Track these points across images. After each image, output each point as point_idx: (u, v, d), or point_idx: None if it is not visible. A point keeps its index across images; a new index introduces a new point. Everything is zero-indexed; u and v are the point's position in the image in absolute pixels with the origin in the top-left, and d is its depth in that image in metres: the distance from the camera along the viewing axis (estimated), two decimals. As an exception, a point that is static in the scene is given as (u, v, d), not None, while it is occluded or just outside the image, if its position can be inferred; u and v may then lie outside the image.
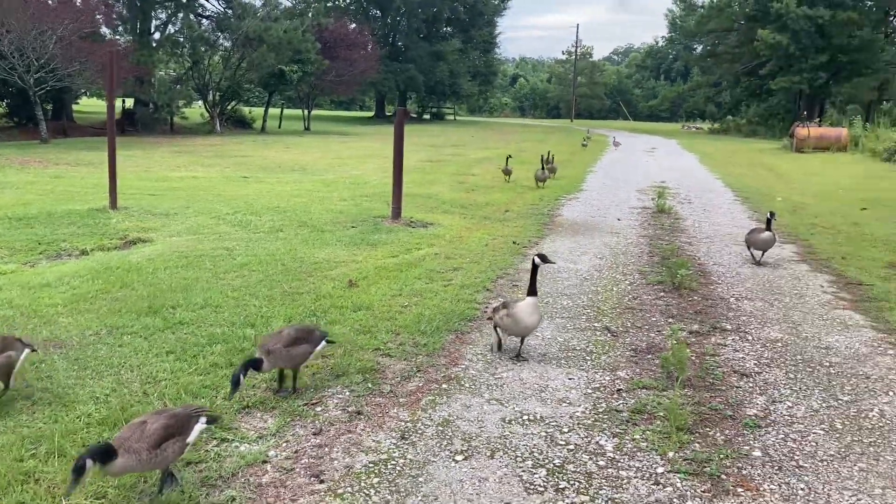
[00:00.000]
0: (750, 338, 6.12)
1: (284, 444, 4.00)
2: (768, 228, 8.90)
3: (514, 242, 9.90)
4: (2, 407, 4.22)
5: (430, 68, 65.07)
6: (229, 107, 41.20)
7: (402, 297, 6.92)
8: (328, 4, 61.59)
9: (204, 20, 40.02)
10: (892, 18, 55.76)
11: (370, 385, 4.82)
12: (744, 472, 3.85)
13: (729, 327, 6.39)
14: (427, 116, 75.87)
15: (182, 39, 37.63)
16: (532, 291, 5.23)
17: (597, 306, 6.94)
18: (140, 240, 9.43)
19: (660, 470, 3.84)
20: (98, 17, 30.43)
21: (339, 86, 46.12)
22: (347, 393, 4.70)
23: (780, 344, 5.98)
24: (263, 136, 37.34)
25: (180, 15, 38.66)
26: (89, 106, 48.03)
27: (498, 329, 5.51)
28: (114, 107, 11.52)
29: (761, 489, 3.69)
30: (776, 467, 3.92)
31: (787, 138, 36.21)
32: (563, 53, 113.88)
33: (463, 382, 4.95)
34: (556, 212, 13.16)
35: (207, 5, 40.18)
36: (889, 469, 3.95)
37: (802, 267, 9.10)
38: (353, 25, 55.05)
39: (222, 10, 39.43)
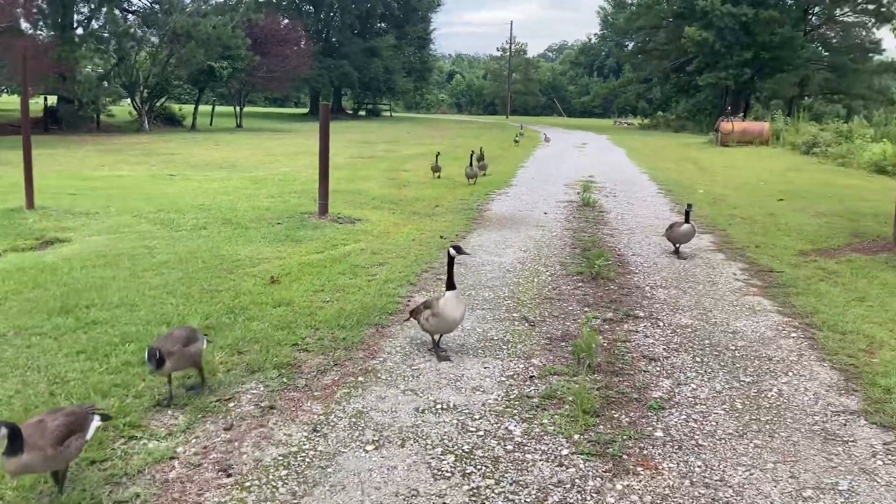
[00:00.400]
0: (661, 324, 6.32)
1: (194, 440, 3.98)
2: (687, 221, 9.10)
3: (441, 237, 9.98)
4: None
5: (365, 64, 64.80)
6: (158, 104, 40.27)
7: (324, 292, 6.92)
8: (259, 0, 60.63)
9: (130, 15, 38.97)
10: (810, 17, 57.92)
11: (285, 380, 4.82)
12: (645, 451, 4.00)
13: (642, 314, 6.59)
14: (363, 113, 75.52)
15: (107, 35, 36.56)
16: (450, 285, 5.23)
17: (517, 297, 7.07)
18: (57, 240, 9.18)
19: (564, 452, 3.96)
20: (17, 10, 29.32)
21: (272, 82, 45.55)
22: (262, 388, 4.69)
23: (689, 329, 6.20)
24: (193, 134, 36.62)
25: (104, 9, 37.55)
26: (9, 103, 46.28)
27: (424, 331, 5.39)
28: (28, 103, 11.16)
29: (660, 468, 3.83)
30: (676, 446, 4.08)
31: (713, 133, 37.24)
32: (498, 50, 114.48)
33: (380, 375, 5.00)
34: (486, 206, 13.29)
35: (134, 0, 39.16)
36: (782, 445, 4.15)
37: (718, 256, 9.41)
38: (286, 21, 54.44)
39: (149, 4, 38.48)
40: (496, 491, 3.55)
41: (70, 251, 8.45)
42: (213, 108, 48.76)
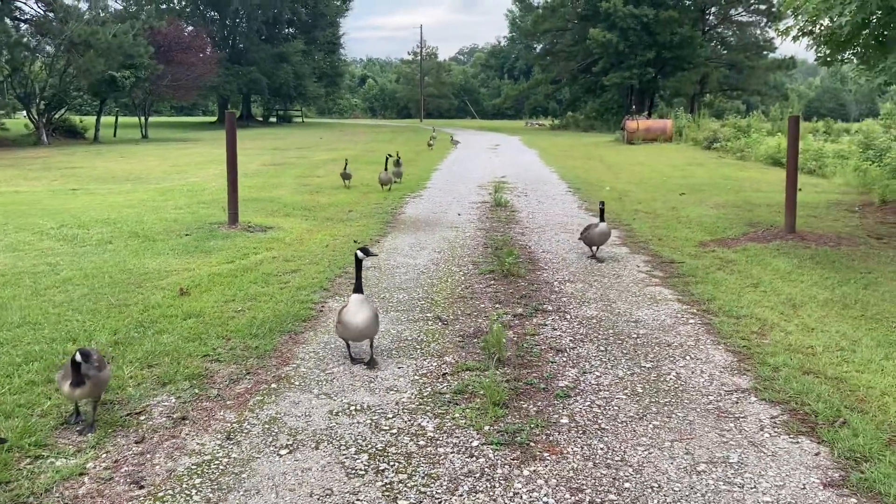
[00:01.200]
0: (568, 317, 6.56)
1: (104, 455, 3.93)
2: (601, 219, 8.97)
3: (354, 241, 10.02)
4: None
5: (274, 70, 63.97)
6: (57, 116, 38.73)
7: (235, 302, 6.88)
8: (161, 7, 59.07)
9: (22, 24, 37.37)
10: (708, 17, 60.43)
11: (197, 391, 4.80)
12: (551, 438, 4.18)
13: (550, 308, 6.82)
14: (273, 119, 74.52)
15: (-3, 44, 34.99)
16: (358, 288, 5.25)
17: (431, 298, 7.20)
18: (-49, 261, 8.79)
19: (475, 443, 4.09)
20: None
21: (177, 91, 44.46)
22: (173, 400, 4.66)
23: (594, 320, 6.45)
24: (97, 146, 35.39)
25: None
26: None
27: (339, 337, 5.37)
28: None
29: (565, 452, 4.01)
30: (581, 431, 4.27)
31: (619, 131, 38.43)
32: (410, 54, 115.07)
33: (293, 381, 5.03)
34: (400, 210, 13.39)
35: (26, 8, 37.54)
36: (678, 424, 4.40)
37: (623, 249, 9.78)
38: (190, 28, 53.25)
39: (42, 13, 36.97)
40: (409, 485, 3.65)
41: (-34, 272, 8.11)
42: (116, 119, 47.22)
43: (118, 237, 10.03)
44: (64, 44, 34.07)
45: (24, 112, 37.46)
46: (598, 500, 3.54)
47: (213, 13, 67.04)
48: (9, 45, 33.75)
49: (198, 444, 4.08)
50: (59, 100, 37.22)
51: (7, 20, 35.08)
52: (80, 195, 15.39)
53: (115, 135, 43.73)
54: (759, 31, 59.71)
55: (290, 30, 71.23)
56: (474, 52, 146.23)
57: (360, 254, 5.34)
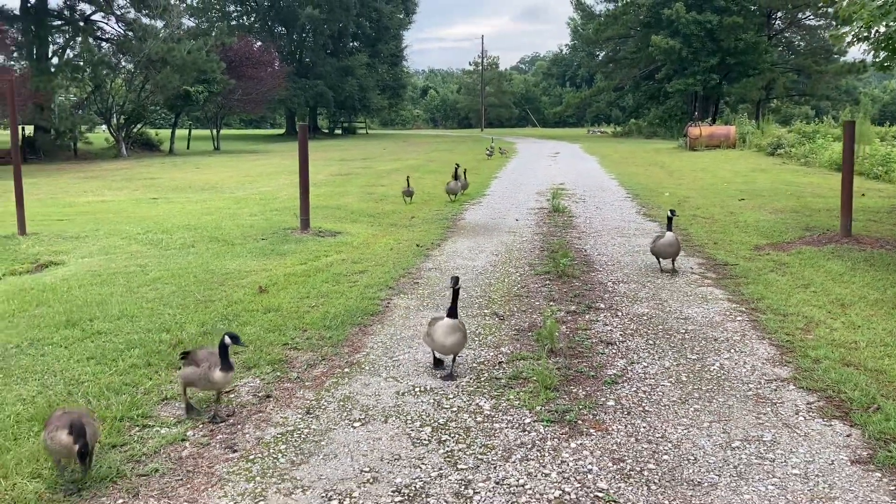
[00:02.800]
0: (620, 314, 6.92)
1: (200, 426, 4.50)
2: (669, 228, 8.53)
3: (417, 245, 10.55)
4: (-67, 413, 4.58)
5: (339, 83, 65.48)
6: (135, 130, 40.62)
7: (309, 298, 7.45)
8: (231, 23, 61.22)
9: (104, 43, 39.37)
10: (773, 22, 59.39)
11: (279, 374, 5.35)
12: (597, 417, 4.58)
13: (603, 306, 7.19)
14: (339, 131, 76.09)
15: (82, 63, 36.95)
16: (452, 314, 5.14)
17: (488, 296, 7.64)
18: (52, 263, 9.64)
19: (527, 420, 4.53)
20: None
21: (247, 104, 46.09)
22: (258, 381, 5.22)
23: (645, 317, 6.80)
24: (172, 158, 37.01)
25: (79, 39, 37.97)
26: (-15, 135, 46.44)
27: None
28: (17, 133, 11.63)
29: (610, 429, 4.41)
30: (626, 412, 4.66)
31: (681, 138, 38.21)
32: (471, 64, 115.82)
33: (364, 366, 5.54)
34: (460, 216, 13.88)
35: (107, 28, 39.54)
36: (718, 408, 4.74)
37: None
38: (258, 43, 55.02)
39: (122, 32, 38.87)
40: (467, 453, 4.11)
41: (66, 272, 8.92)
42: (189, 132, 49.19)
43: (199, 241, 10.78)
44: (142, 61, 35.79)
45: (105, 126, 39.36)
46: (638, 469, 3.93)
47: (280, 28, 69.05)
48: (92, 64, 35.63)
49: (281, 417, 4.61)
50: (137, 114, 39.04)
51: (91, 40, 37.02)
52: (161, 204, 16.36)
53: (188, 147, 45.58)
54: (828, 35, 58.25)
55: (355, 43, 72.74)
56: (536, 61, 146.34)
57: (453, 281, 5.18)
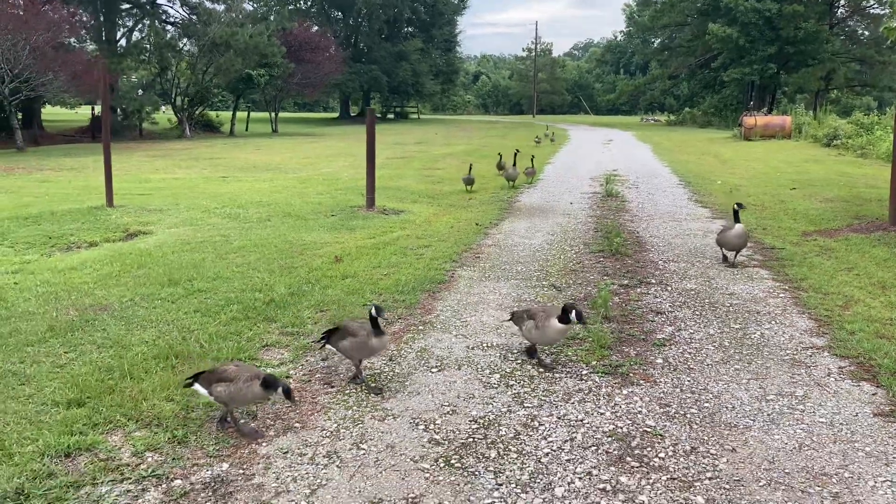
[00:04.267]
0: (669, 288, 7.46)
1: (301, 367, 5.22)
2: (737, 220, 8.39)
3: (476, 224, 11.17)
4: (71, 349, 5.39)
5: (393, 68, 66.29)
6: (197, 112, 42.01)
7: (381, 268, 8.14)
8: (290, 8, 62.41)
9: (169, 27, 40.77)
10: (836, 10, 58.20)
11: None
12: (647, 372, 5.16)
13: (653, 281, 7.73)
14: (391, 116, 76.96)
15: (149, 46, 38.35)
16: (564, 320, 5.00)
17: (545, 270, 8.24)
18: (141, 232, 10.52)
19: (584, 372, 5.14)
20: (67, 27, 31.10)
21: (306, 88, 47.16)
22: (344, 334, 5.91)
23: (693, 292, 7.33)
24: (233, 139, 38.25)
25: (146, 22, 39.36)
26: (53, 114, 48.45)
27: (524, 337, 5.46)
28: (109, 115, 12.56)
29: (658, 382, 4.99)
30: (672, 369, 5.23)
31: (737, 128, 38.04)
32: (524, 50, 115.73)
33: (435, 325, 6.20)
34: (516, 199, 14.46)
35: (172, 11, 40.94)
36: (757, 368, 5.28)
37: (726, 236, 10.47)
38: (316, 28, 56.06)
39: (187, 16, 40.18)
40: (532, 395, 4.74)
41: (156, 241, 9.77)
42: (248, 114, 50.53)
43: (274, 216, 11.58)
44: (206, 45, 36.99)
45: (170, 107, 40.82)
46: (682, 413, 4.51)
47: (337, 13, 70.14)
48: (158, 47, 36.96)
49: (368, 363, 5.29)
50: (200, 96, 40.36)
51: (157, 23, 38.37)
52: (230, 182, 17.28)
53: (246, 129, 46.91)
54: (881, 29, 56.79)
55: (410, 28, 73.45)
56: (589, 48, 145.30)
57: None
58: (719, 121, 53.95)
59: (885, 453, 4.04)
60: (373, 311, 4.80)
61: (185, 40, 39.73)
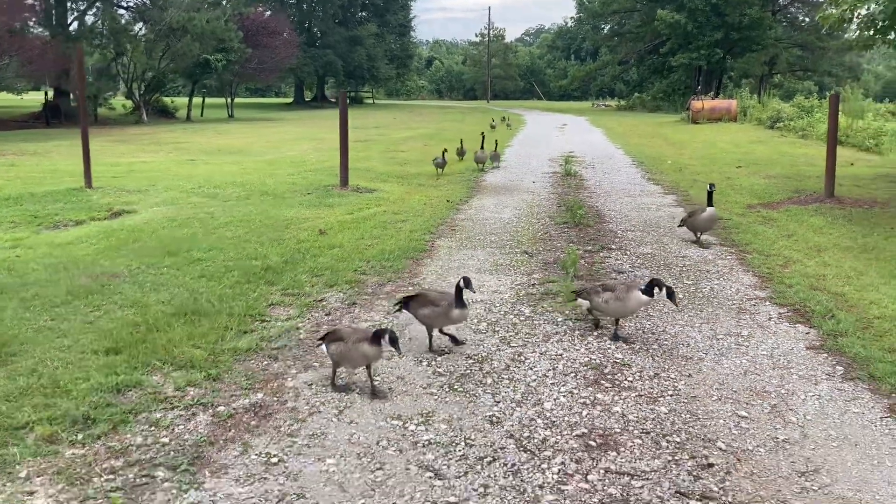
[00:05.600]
0: (629, 253, 8.24)
1: (307, 320, 5.83)
2: (710, 204, 8.50)
3: (447, 201, 11.83)
4: (83, 311, 5.91)
5: (348, 53, 66.38)
6: (153, 97, 41.72)
7: (364, 239, 8.76)
8: (245, -7, 61.93)
9: (123, 10, 40.33)
10: (778, -2, 60.10)
11: (357, 290, 6.67)
12: (614, 319, 5.90)
13: (614, 247, 8.51)
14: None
15: (103, 31, 37.95)
16: (649, 293, 5.15)
17: (517, 239, 8.96)
18: (125, 211, 10.92)
19: (559, 319, 5.86)
20: (25, 13, 30.72)
21: (262, 73, 47.15)
22: (341, 294, 6.54)
23: (650, 255, 8.12)
24: (191, 124, 38.16)
25: (99, 5, 38.90)
26: (7, 101, 47.54)
27: (594, 311, 5.57)
28: (85, 99, 12.91)
29: (623, 325, 5.73)
30: (635, 316, 5.98)
31: (685, 111, 39.30)
32: (477, 35, 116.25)
33: (423, 286, 6.85)
34: (481, 179, 15.14)
35: (127, -4, 40.48)
36: (707, 315, 6.06)
37: (679, 209, 11.33)
38: (269, 13, 55.86)
39: (143, 1, 39.81)
40: (516, 338, 5.44)
41: (142, 218, 10.21)
42: (203, 100, 50.21)
43: (252, 195, 12.07)
44: (163, 29, 36.76)
45: (124, 93, 40.45)
46: (645, 348, 5.26)
47: (290, -3, 69.79)
48: (114, 32, 36.62)
49: (368, 316, 5.93)
50: (157, 82, 40.09)
51: (112, 7, 37.96)
52: (199, 165, 17.62)
53: (202, 114, 46.67)
54: (817, 17, 58.76)
55: (364, 13, 73.46)
56: (540, 33, 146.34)
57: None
58: (668, 105, 55.36)
59: (815, 376, 4.84)
60: (461, 283, 4.92)
61: (140, 25, 39.36)
